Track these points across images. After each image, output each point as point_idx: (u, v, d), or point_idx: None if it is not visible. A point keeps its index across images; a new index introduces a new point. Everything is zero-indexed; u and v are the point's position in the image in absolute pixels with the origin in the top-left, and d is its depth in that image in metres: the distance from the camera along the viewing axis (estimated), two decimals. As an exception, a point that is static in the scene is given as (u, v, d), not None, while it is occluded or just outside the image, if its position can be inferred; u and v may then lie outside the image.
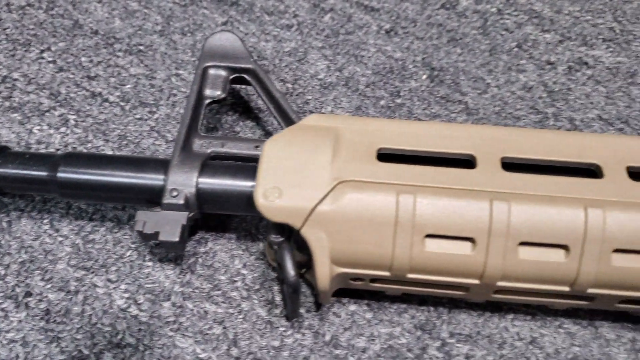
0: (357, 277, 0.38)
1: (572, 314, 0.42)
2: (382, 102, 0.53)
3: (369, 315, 0.42)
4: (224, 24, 0.58)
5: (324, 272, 0.36)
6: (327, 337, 0.41)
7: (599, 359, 0.40)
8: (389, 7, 0.59)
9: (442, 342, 0.41)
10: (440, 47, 0.56)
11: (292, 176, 0.36)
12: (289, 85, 0.53)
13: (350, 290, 0.42)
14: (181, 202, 0.39)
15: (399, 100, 0.53)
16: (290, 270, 0.36)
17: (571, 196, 0.35)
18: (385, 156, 0.38)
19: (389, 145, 0.38)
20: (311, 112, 0.52)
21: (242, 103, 0.52)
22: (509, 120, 0.52)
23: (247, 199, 0.39)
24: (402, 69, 0.55)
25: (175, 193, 0.39)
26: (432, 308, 0.42)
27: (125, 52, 0.55)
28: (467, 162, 0.38)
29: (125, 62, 0.55)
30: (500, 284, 0.36)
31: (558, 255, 0.35)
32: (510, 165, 0.38)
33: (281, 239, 0.37)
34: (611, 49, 0.56)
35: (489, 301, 0.42)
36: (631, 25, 0.58)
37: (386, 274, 0.37)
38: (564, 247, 0.35)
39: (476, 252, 0.35)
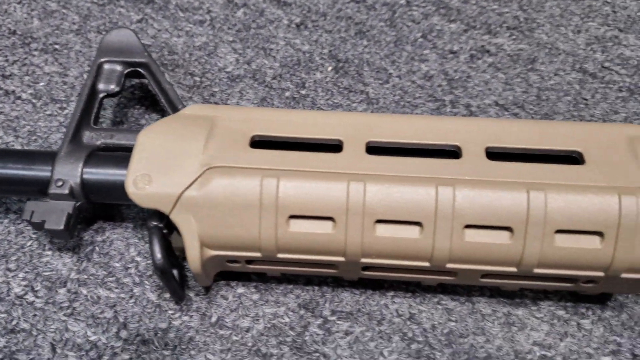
0: (232, 259, 0.40)
1: (451, 290, 0.44)
2: (287, 94, 0.54)
3: (255, 296, 0.44)
4: (139, 21, 0.59)
5: (194, 255, 0.38)
6: (214, 319, 0.43)
7: (473, 332, 0.42)
8: (301, 1, 0.61)
9: (324, 319, 0.43)
10: (348, 40, 0.58)
11: (163, 164, 0.38)
12: (197, 79, 0.55)
13: (239, 273, 0.43)
14: (66, 192, 0.41)
15: (303, 92, 0.55)
16: (157, 254, 0.37)
17: (426, 176, 0.37)
18: (262, 143, 0.40)
19: (263, 133, 0.40)
20: (217, 104, 0.54)
21: (151, 96, 0.54)
22: (407, 108, 0.53)
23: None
24: (309, 61, 0.56)
25: (60, 183, 0.41)
26: (317, 288, 0.44)
27: (41, 51, 0.57)
28: (337, 146, 0.40)
29: (40, 60, 0.56)
30: (364, 260, 0.38)
31: (413, 231, 0.37)
32: (379, 149, 0.40)
33: (153, 224, 0.38)
34: (514, 37, 0.58)
35: (371, 280, 0.44)
36: (535, 13, 0.60)
37: (257, 254, 0.38)
38: (419, 224, 0.37)
39: (336, 230, 0.37)
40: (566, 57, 0.57)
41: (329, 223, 0.37)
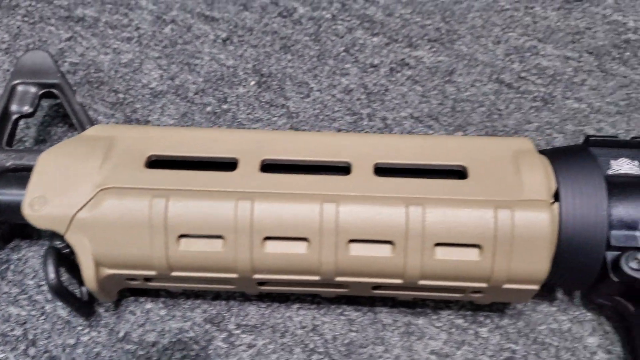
0: (130, 277, 0.41)
1: (354, 301, 0.45)
2: (209, 109, 0.55)
3: (163, 312, 0.45)
4: (68, 39, 0.60)
5: (90, 275, 0.39)
6: (121, 334, 0.44)
7: (372, 342, 0.43)
8: (228, 16, 0.62)
9: (229, 333, 0.44)
10: (272, 54, 0.59)
11: (59, 185, 0.39)
12: (120, 95, 0.56)
13: (148, 289, 0.45)
14: (-26, 212, 0.42)
15: (225, 106, 0.56)
16: (50, 274, 0.38)
17: (313, 192, 0.38)
18: (161, 162, 0.41)
19: (160, 152, 0.41)
20: (138, 120, 0.55)
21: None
22: (326, 122, 0.55)
23: None
24: (232, 76, 0.58)
25: (-32, 204, 0.42)
26: (224, 302, 0.45)
27: (-30, 71, 0.58)
28: (232, 164, 0.41)
29: (-32, 80, 0.57)
30: (256, 276, 0.39)
31: (301, 247, 0.38)
32: (274, 166, 0.41)
33: (51, 245, 0.39)
34: (434, 49, 0.59)
35: (278, 293, 0.45)
36: (457, 24, 0.61)
37: (152, 273, 0.40)
38: (306, 240, 0.38)
39: (226, 248, 0.38)
40: (484, 68, 0.58)
41: (219, 241, 0.38)
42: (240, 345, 0.43)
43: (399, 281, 0.39)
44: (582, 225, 0.38)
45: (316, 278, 0.39)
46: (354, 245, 0.38)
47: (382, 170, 0.40)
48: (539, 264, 0.37)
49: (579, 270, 0.39)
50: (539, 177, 0.39)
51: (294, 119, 0.55)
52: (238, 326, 0.44)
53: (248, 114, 0.55)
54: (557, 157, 0.41)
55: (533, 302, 0.45)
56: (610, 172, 0.42)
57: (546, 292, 0.45)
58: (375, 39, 0.60)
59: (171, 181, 0.39)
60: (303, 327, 0.44)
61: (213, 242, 0.38)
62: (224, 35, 0.60)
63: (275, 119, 0.55)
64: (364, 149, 0.41)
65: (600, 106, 0.55)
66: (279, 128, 0.54)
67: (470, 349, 0.43)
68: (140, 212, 0.38)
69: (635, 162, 0.42)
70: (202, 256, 0.38)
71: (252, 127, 0.54)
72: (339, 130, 0.54)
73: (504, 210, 0.37)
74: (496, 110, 0.55)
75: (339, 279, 0.39)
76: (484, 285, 0.39)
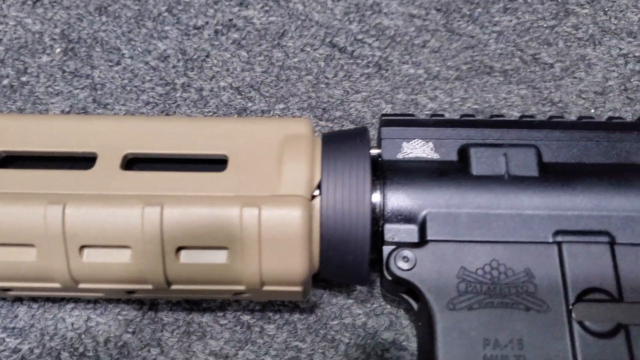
0: None
1: (136, 300, 0.41)
2: (5, 82, 0.50)
3: None
4: None
5: None
6: None
7: (148, 344, 0.40)
8: (42, -28, 0.55)
9: (-7, 338, 0.40)
10: (85, 17, 0.53)
11: None
12: None
13: None
14: None
15: (24, 78, 0.50)
16: None
17: (42, 192, 0.34)
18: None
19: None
20: None
21: None
22: (133, 93, 0.49)
23: None
24: (37, 42, 0.52)
25: None
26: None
27: None
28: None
29: None
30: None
31: (30, 254, 0.34)
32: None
33: None
34: (266, 8, 0.53)
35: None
36: (297, -21, 0.55)
37: None
38: (32, 246, 0.34)
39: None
40: (318, 29, 0.52)
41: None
42: (4, 350, 0.40)
43: (147, 287, 0.35)
44: (343, 220, 0.34)
45: (57, 285, 0.35)
46: (88, 251, 0.34)
47: (134, 162, 0.36)
48: (295, 265, 0.34)
49: (349, 267, 0.35)
50: (300, 169, 0.34)
51: (97, 91, 0.49)
52: (4, 329, 0.40)
53: (47, 87, 0.50)
54: (330, 143, 0.36)
55: (330, 294, 0.42)
56: (399, 156, 0.38)
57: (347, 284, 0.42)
58: (202, -3, 0.54)
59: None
60: (75, 329, 0.40)
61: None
62: (34, -6, 0.54)
63: (76, 91, 0.49)
64: (116, 136, 0.36)
65: (439, 71, 0.50)
66: (80, 101, 0.49)
67: (253, 349, 0.40)
68: None
69: (430, 144, 0.38)
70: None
71: (50, 101, 0.49)
72: (147, 103, 0.49)
73: (250, 209, 0.33)
74: (324, 79, 0.50)
75: (82, 285, 0.35)
76: (241, 287, 0.35)
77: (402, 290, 0.36)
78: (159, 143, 0.36)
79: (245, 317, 0.41)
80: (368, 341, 0.40)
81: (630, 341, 0.32)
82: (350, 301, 0.42)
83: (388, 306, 0.41)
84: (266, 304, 0.41)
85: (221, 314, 0.41)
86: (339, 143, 0.36)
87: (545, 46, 0.52)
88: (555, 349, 0.32)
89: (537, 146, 0.37)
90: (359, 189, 0.34)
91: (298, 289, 0.35)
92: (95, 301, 0.41)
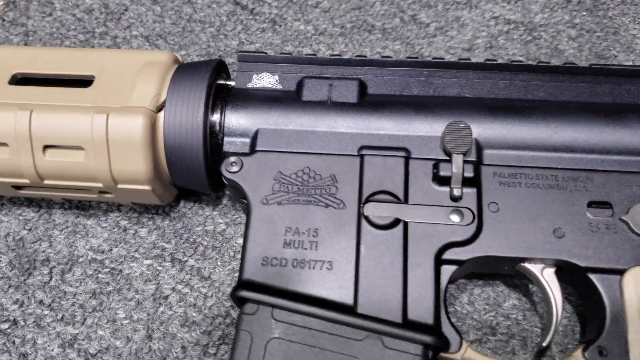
0: None
1: (36, 204, 0.49)
2: (-46, 27, 0.58)
3: None
4: None
5: None
6: None
7: (40, 239, 0.48)
8: (-4, -62, 0.63)
9: None
10: (27, -25, 0.61)
11: None
12: None
13: None
14: None
15: (-30, 25, 0.58)
16: None
17: None
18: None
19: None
20: None
21: None
22: (58, 40, 0.57)
23: None
24: (-16, -4, 0.60)
25: None
26: None
27: None
28: None
29: None
30: None
31: None
32: None
33: None
34: (184, -29, 0.61)
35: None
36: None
37: None
38: None
39: None
40: (226, -10, 0.59)
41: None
42: None
43: (25, 180, 0.43)
44: (181, 132, 0.41)
45: None
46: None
47: (27, 81, 0.43)
48: (138, 165, 0.41)
49: (190, 172, 0.42)
50: (149, 87, 0.42)
51: (29, 37, 0.58)
52: None
53: (-13, 33, 0.58)
54: (181, 71, 0.43)
55: (198, 206, 0.49)
56: (249, 85, 0.44)
57: (215, 197, 0.49)
58: (129, -39, 0.61)
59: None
60: (-19, 225, 0.48)
61: None
62: (-13, -44, 0.62)
63: (12, 37, 0.58)
64: (10, 60, 0.44)
65: (325, 28, 0.57)
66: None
67: (126, 247, 0.47)
68: None
69: (276, 77, 0.45)
70: None
71: (-12, 44, 0.57)
72: (68, 47, 0.57)
73: (100, 116, 0.40)
74: (224, 31, 0.57)
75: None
76: (98, 185, 0.42)
77: (241, 195, 0.43)
78: (43, 66, 0.44)
79: (124, 222, 0.48)
80: (225, 244, 0.47)
81: (407, 233, 0.38)
82: (216, 212, 0.48)
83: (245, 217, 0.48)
84: (142, 211, 0.48)
85: (104, 218, 0.48)
86: (188, 71, 0.43)
87: (425, 8, 0.58)
88: (345, 237, 0.38)
89: (363, 80, 0.44)
90: (194, 106, 0.41)
91: (147, 187, 0.42)
92: (2, 204, 0.49)
